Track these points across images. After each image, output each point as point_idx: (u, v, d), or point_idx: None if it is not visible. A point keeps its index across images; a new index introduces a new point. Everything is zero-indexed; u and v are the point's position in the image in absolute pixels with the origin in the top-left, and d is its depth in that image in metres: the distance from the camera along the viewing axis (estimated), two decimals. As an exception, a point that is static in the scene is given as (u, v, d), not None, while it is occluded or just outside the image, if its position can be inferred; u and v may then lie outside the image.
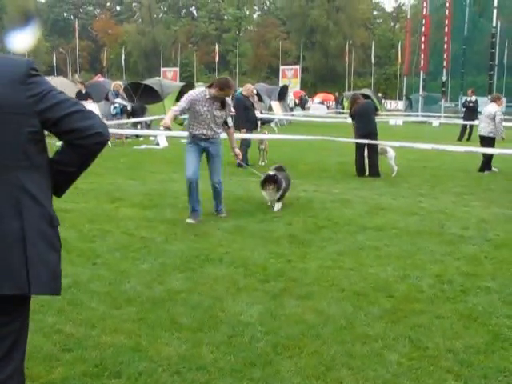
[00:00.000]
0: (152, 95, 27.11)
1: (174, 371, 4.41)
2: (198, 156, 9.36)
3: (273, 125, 31.68)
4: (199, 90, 9.29)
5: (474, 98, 27.96)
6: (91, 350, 4.70)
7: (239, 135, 16.34)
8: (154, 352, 4.71)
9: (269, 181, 10.02)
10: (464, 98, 29.42)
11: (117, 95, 23.05)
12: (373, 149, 14.70)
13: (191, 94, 9.24)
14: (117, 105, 22.83)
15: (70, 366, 4.44)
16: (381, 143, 14.89)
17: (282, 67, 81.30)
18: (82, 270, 6.68)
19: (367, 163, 14.85)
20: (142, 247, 7.62)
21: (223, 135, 9.87)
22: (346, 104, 48.15)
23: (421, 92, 49.97)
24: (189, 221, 9.09)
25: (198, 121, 9.20)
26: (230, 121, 9.75)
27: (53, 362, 4.45)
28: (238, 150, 10.22)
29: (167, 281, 6.42)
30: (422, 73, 51.69)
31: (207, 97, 9.13)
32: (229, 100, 9.63)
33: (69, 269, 6.67)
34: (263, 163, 16.81)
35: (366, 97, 16.57)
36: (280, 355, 4.71)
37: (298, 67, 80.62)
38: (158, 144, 21.74)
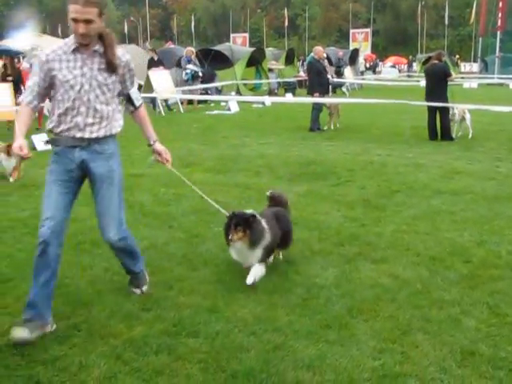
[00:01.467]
0: (222, 61, 27.16)
1: (250, 332, 4.46)
2: (63, 188, 4.52)
3: (344, 89, 31.33)
4: (58, 44, 4.51)
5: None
6: (169, 310, 4.80)
7: (311, 99, 16.24)
8: (231, 313, 4.78)
9: (236, 225, 5.27)
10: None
11: (189, 61, 23.17)
12: (444, 113, 14.35)
13: (41, 54, 4.51)
14: (188, 71, 22.96)
15: (150, 324, 4.55)
16: (455, 106, 14.54)
17: (352, 30, 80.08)
18: (159, 233, 6.81)
19: (445, 126, 14.53)
20: (216, 211, 7.66)
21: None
22: (418, 67, 47.13)
23: (497, 53, 48.34)
24: (16, 335, 4.27)
25: (64, 104, 4.43)
26: (136, 95, 4.85)
27: (133, 321, 4.57)
28: (161, 148, 5.08)
29: (242, 244, 6.46)
30: (498, 33, 49.93)
31: (73, 47, 4.40)
32: (124, 55, 4.59)
33: (146, 232, 6.83)
34: (335, 127, 16.70)
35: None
36: (355, 318, 4.70)
37: (368, 30, 79.26)
38: (229, 109, 21.82)
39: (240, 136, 14.99)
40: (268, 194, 6.26)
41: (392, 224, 7.23)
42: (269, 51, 35.95)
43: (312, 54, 17.39)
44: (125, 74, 4.63)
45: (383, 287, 5.30)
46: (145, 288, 5.17)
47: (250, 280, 5.18)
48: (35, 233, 5.84)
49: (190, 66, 23.05)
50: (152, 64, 22.59)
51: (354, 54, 41.08)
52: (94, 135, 4.53)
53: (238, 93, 26.28)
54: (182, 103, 22.30)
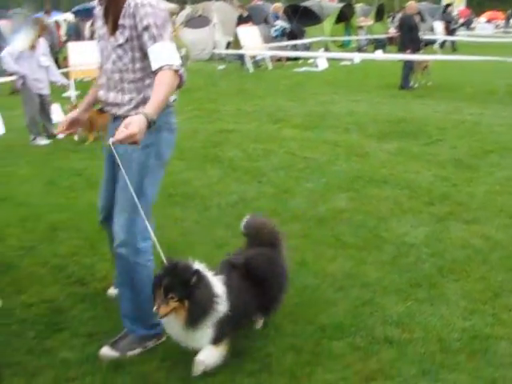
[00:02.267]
0: (311, 17, 26.78)
1: (338, 287, 4.49)
2: (110, 167, 3.81)
3: (436, 46, 30.43)
4: None
5: None
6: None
7: (402, 56, 15.88)
8: (319, 267, 4.82)
9: (167, 290, 3.24)
10: None
11: (277, 17, 22.99)
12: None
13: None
14: (277, 27, 22.80)
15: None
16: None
17: (446, -16, 77.24)
18: (248, 188, 6.89)
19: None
20: (305, 167, 7.71)
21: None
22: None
23: None
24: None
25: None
26: (155, 55, 3.32)
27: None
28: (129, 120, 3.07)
29: (331, 200, 6.49)
30: None
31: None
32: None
33: (235, 186, 6.92)
34: (429, 83, 16.33)
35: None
36: (445, 278, 4.65)
37: (463, -16, 76.23)
38: (317, 66, 21.59)
39: (328, 93, 14.85)
40: (243, 224, 4.02)
41: (484, 184, 7.05)
42: (358, 7, 35.18)
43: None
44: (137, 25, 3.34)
45: (474, 248, 5.21)
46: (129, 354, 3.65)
47: (197, 369, 3.40)
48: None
49: (279, 23, 22.88)
50: (241, 21, 22.52)
51: (447, 9, 39.69)
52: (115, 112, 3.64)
53: (327, 50, 25.93)
54: (270, 60, 22.22)
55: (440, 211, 6.14)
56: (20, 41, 10.08)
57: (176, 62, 3.27)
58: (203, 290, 3.25)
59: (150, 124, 3.09)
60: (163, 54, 3.28)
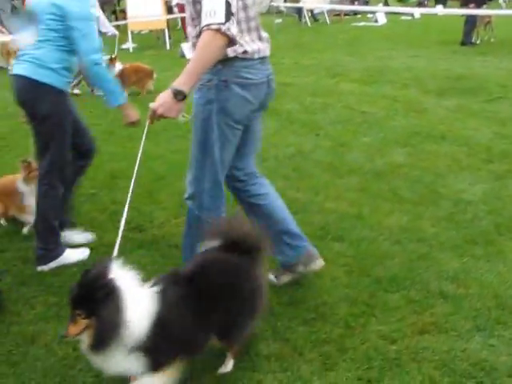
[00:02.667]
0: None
1: (394, 240, 4.49)
2: None
3: (500, 0, 29.43)
4: None
5: None
6: (315, 215, 4.91)
7: (464, 11, 15.45)
8: (375, 221, 4.82)
9: (74, 306, 2.52)
10: None
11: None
12: None
13: None
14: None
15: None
16: None
17: None
18: (305, 140, 6.89)
19: None
20: (362, 121, 7.64)
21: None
22: None
23: None
24: None
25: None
26: (205, 8, 2.96)
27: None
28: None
29: (388, 154, 6.44)
30: None
31: None
32: None
33: (292, 138, 6.93)
34: (492, 39, 15.88)
35: None
36: (503, 236, 4.59)
37: None
38: (376, 21, 21.21)
39: (387, 48, 14.59)
40: (215, 225, 3.12)
41: (547, 142, 6.88)
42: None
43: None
44: None
45: (535, 206, 5.12)
46: None
47: None
48: (187, 135, 6.11)
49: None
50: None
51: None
52: None
53: (386, 4, 25.41)
54: (328, 14, 21.91)
55: (499, 169, 6.03)
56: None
57: (217, 19, 2.86)
58: (112, 307, 2.49)
59: (177, 95, 2.98)
60: (205, 11, 2.92)
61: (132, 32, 16.78)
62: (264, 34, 3.39)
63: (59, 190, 4.27)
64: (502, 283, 3.88)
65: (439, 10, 21.39)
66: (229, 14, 2.90)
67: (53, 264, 4.26)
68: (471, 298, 3.71)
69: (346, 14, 22.96)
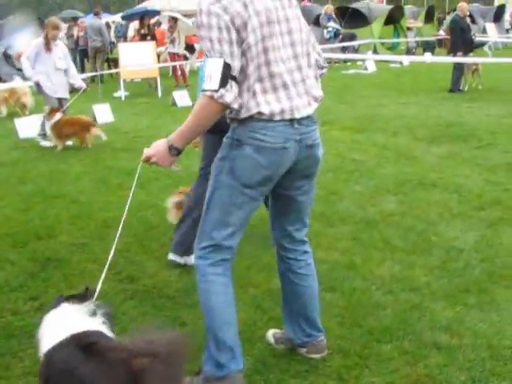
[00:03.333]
0: (359, 19, 26.64)
1: (387, 290, 4.47)
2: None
3: (486, 48, 29.95)
4: None
5: None
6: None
7: (452, 59, 15.72)
8: (367, 270, 4.80)
9: None
10: None
11: (329, 19, 22.95)
12: None
13: None
14: (330, 29, 22.76)
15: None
16: None
17: (498, -14, 75.98)
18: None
19: None
20: (354, 169, 7.68)
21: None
22: None
23: None
24: None
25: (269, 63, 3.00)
26: None
27: (271, 272, 4.63)
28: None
29: (380, 203, 6.47)
30: None
31: None
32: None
33: (283, 187, 6.92)
34: (480, 86, 16.08)
35: None
36: (496, 284, 4.58)
37: (516, -15, 74.87)
38: (366, 68, 21.50)
39: (377, 96, 14.77)
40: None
41: (537, 190, 6.93)
42: (407, 9, 34.89)
43: (455, 13, 16.76)
44: None
45: (527, 254, 5.13)
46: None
47: None
48: (178, 184, 6.12)
49: (332, 24, 22.83)
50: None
51: (500, 10, 39.04)
52: None
53: (375, 52, 25.78)
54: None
55: (490, 216, 6.05)
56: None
57: (212, 85, 2.83)
58: None
59: (171, 149, 3.02)
60: (205, 74, 2.89)
61: (124, 80, 16.93)
62: (311, 93, 3.16)
63: None
64: (495, 333, 3.86)
65: (427, 57, 21.74)
66: (225, 79, 2.83)
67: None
68: (465, 348, 3.68)
69: (337, 61, 23.26)
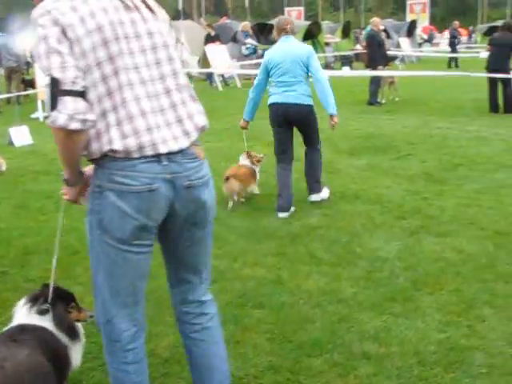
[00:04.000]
0: (278, 35, 26.95)
1: (314, 304, 4.50)
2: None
3: (397, 62, 30.79)
4: None
5: None
6: (234, 282, 4.88)
7: (369, 72, 16.08)
8: (294, 285, 4.83)
9: None
10: None
11: (247, 36, 23.13)
12: (507, 85, 13.98)
13: None
14: (248, 45, 22.93)
15: (215, 296, 4.57)
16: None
17: (409, 1, 78.23)
18: (221, 206, 6.85)
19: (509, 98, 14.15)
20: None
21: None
22: (478, 38, 45.95)
23: None
24: None
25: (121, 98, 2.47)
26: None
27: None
28: None
29: (304, 217, 6.53)
30: None
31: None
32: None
33: (210, 205, 6.89)
34: (397, 98, 16.48)
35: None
36: (420, 291, 4.69)
37: (426, 1, 77.41)
38: (285, 83, 21.70)
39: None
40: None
41: (454, 198, 7.14)
42: (325, 24, 35.57)
43: (370, 26, 17.18)
44: None
45: (447, 261, 5.26)
46: None
47: None
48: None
49: (250, 41, 23.02)
50: (209, 39, 22.60)
51: (412, 25, 40.29)
52: None
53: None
54: (239, 78, 22.30)
55: (411, 225, 6.20)
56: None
57: (47, 110, 2.36)
58: None
59: (65, 182, 2.67)
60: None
61: (42, 101, 16.58)
62: (187, 121, 2.61)
63: None
64: (421, 340, 3.94)
65: (346, 71, 22.18)
66: (54, 99, 2.33)
67: None
68: (393, 356, 3.74)
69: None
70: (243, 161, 7.50)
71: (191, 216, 2.70)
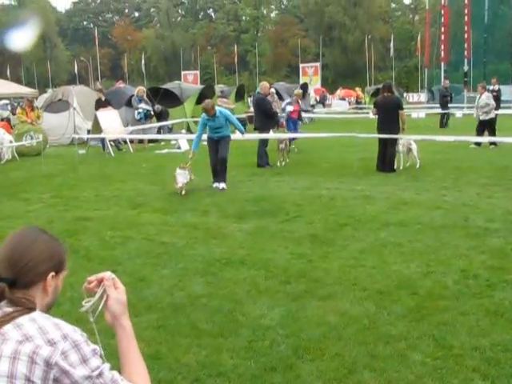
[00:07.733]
0: (172, 99, 27.12)
1: (193, 378, 4.38)
2: None
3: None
4: None
5: (497, 87, 27.45)
6: (111, 359, 4.64)
7: (259, 135, 16.32)
8: (173, 359, 4.68)
9: None
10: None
11: (140, 101, 23.11)
12: (392, 144, 14.54)
13: None
14: (140, 110, 22.90)
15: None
16: (402, 137, 14.74)
17: (301, 65, 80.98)
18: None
19: (389, 158, 14.68)
20: (162, 252, 7.59)
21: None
22: (367, 99, 47.84)
23: (442, 83, 49.52)
24: None
25: None
26: None
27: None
28: None
29: (188, 286, 6.40)
30: (442, 64, 51.25)
31: None
32: None
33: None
34: (284, 163, 16.70)
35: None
36: (301, 359, 4.65)
37: (317, 64, 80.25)
38: (179, 147, 21.72)
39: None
40: None
41: (339, 259, 7.22)
42: (218, 88, 36.12)
43: (258, 89, 17.53)
44: None
45: (330, 325, 5.26)
46: None
47: None
48: None
49: (142, 105, 22.99)
50: (99, 104, 22.43)
51: (304, 87, 41.52)
52: None
53: (189, 131, 26.23)
54: (131, 143, 22.16)
55: (296, 289, 6.19)
56: None
57: None
58: None
59: None
60: None
61: None
62: None
63: None
64: (301, 411, 3.87)
65: (238, 135, 22.37)
66: None
67: None
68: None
69: (150, 141, 23.34)
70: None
71: None
